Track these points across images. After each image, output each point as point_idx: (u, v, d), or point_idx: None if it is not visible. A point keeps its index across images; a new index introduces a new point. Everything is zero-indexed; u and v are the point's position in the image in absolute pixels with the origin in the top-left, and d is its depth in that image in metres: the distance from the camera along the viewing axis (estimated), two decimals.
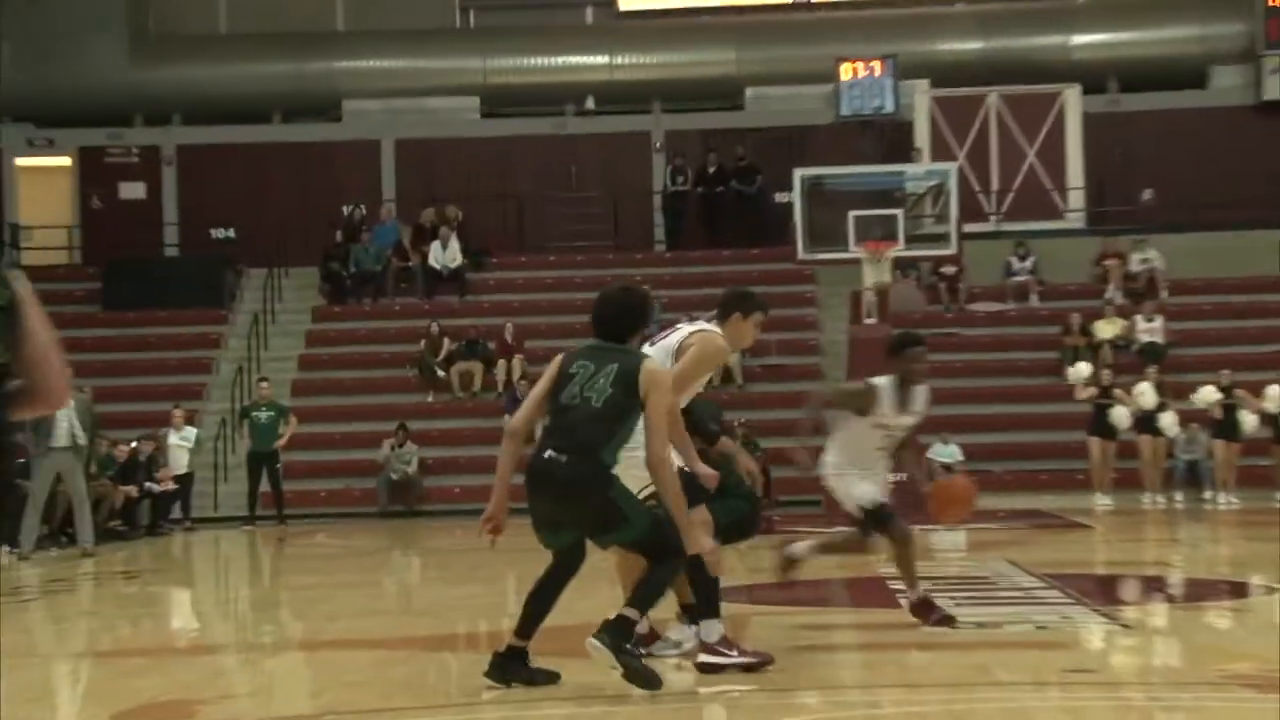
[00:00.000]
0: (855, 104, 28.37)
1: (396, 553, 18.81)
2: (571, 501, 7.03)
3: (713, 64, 30.04)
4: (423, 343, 25.49)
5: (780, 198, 25.71)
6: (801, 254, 24.10)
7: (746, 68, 29.77)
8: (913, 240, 24.28)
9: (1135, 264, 26.20)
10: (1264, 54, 28.20)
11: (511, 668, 7.09)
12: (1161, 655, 8.94)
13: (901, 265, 23.66)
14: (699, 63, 30.12)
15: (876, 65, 28.35)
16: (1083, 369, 22.31)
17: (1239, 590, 11.93)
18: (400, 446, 23.20)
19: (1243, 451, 21.43)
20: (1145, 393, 21.36)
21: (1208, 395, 21.29)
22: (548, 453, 7.01)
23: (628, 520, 7.00)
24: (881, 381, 9.16)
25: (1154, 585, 12.85)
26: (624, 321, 7.26)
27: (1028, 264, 26.44)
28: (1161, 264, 26.12)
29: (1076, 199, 28.43)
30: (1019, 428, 23.73)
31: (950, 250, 24.43)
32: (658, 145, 29.91)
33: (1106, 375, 22.04)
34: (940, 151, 27.94)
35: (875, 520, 9.11)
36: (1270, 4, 28.01)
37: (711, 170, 28.46)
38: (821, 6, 30.86)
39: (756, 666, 7.40)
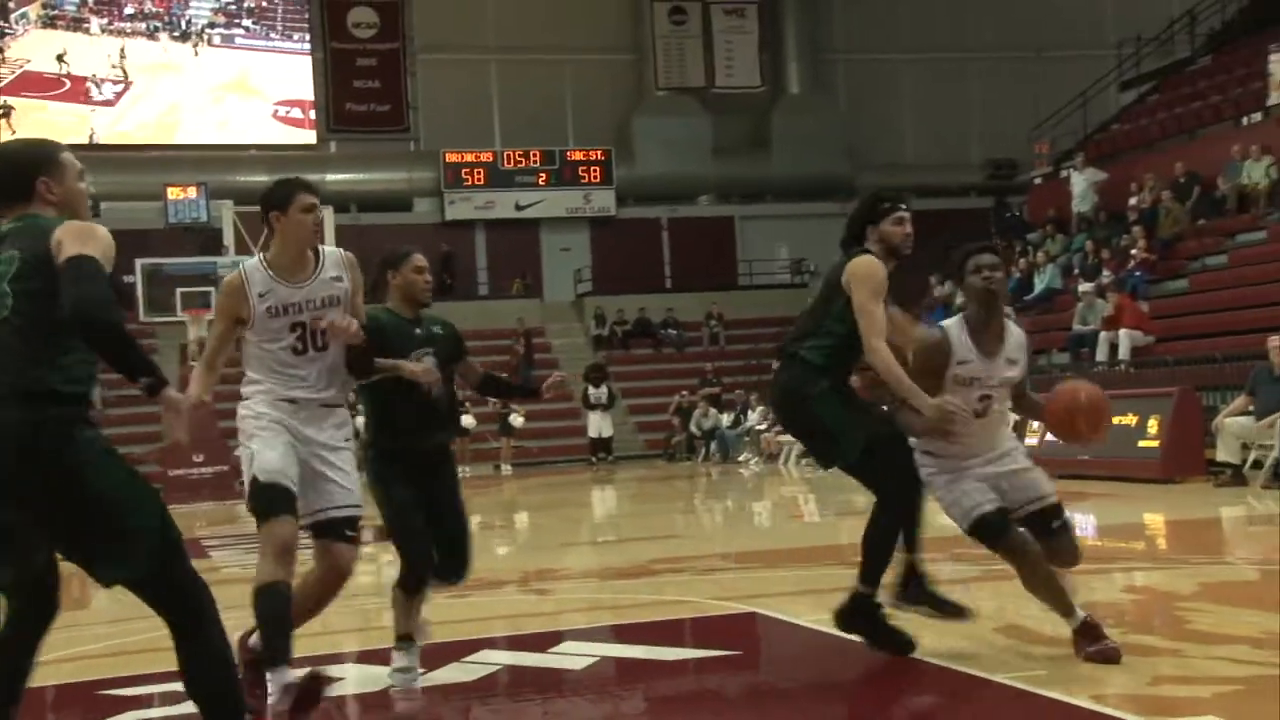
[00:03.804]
0: (180, 215, 26.89)
1: None
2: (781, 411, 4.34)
3: None
4: None
5: (128, 279, 23.85)
6: (143, 317, 22.63)
7: (101, 188, 27.16)
8: None
9: None
10: (445, 191, 29.23)
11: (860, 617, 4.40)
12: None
13: None
14: None
15: (194, 189, 27.03)
16: None
17: None
18: None
19: (473, 439, 21.72)
20: None
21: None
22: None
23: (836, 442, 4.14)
24: (948, 322, 4.46)
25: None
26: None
27: None
28: None
29: None
30: None
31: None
32: None
33: None
34: (242, 249, 26.81)
35: (982, 536, 4.37)
36: (447, 161, 29.11)
37: None
38: (155, 148, 28.71)
39: None
